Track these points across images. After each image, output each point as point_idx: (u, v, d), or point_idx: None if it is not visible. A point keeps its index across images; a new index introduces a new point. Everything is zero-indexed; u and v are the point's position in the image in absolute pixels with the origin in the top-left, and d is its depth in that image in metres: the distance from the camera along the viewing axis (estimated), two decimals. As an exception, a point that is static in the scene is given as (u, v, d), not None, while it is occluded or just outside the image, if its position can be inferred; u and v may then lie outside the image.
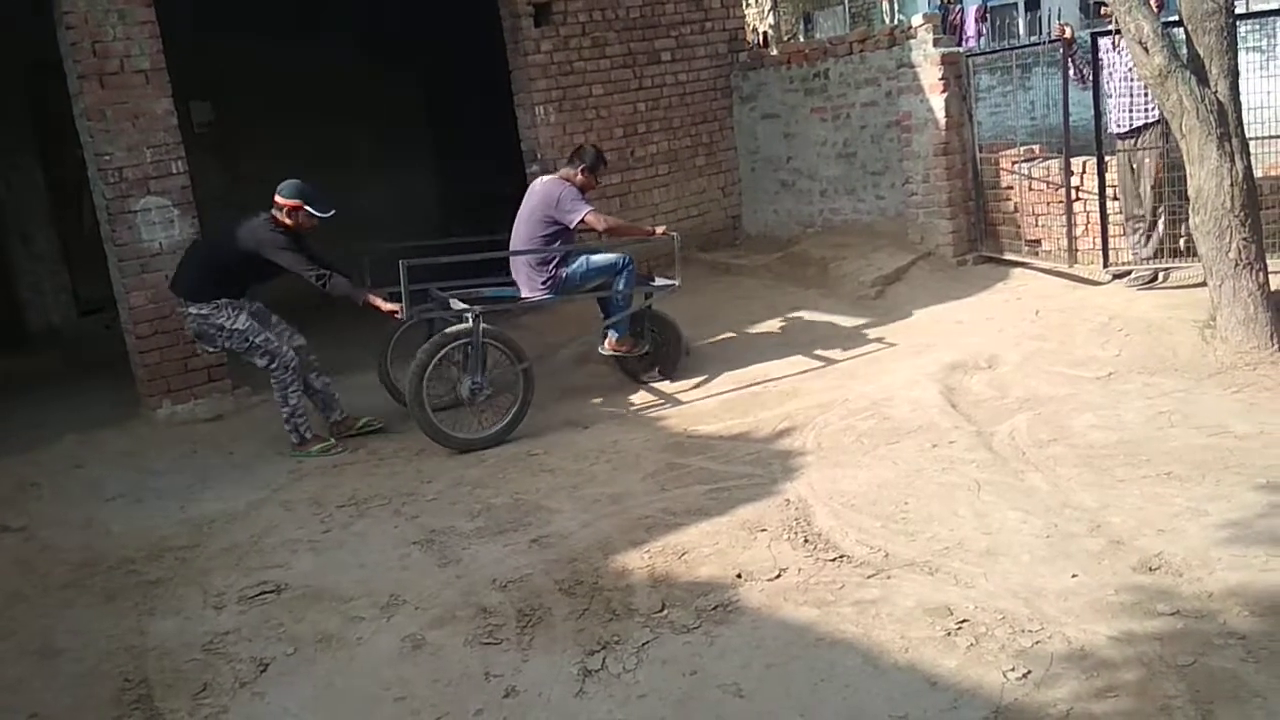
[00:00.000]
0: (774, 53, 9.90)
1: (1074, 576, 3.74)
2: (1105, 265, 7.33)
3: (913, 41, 8.13)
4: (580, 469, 5.38)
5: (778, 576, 3.99)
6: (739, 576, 4.02)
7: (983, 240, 8.17)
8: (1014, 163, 7.97)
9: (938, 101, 7.98)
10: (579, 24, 8.64)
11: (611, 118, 8.87)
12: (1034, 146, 8.14)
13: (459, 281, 6.54)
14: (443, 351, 5.88)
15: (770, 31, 16.46)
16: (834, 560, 4.06)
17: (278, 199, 5.91)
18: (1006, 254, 8.00)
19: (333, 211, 5.94)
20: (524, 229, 6.53)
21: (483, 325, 5.89)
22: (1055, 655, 3.30)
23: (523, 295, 6.48)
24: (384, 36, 10.37)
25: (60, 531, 5.19)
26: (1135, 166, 7.09)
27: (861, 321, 7.33)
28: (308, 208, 5.88)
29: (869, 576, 3.90)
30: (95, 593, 4.50)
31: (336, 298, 5.93)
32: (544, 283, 6.42)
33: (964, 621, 3.53)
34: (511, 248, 6.53)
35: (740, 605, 3.82)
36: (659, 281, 6.68)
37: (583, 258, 6.48)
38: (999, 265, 7.96)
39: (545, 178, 6.68)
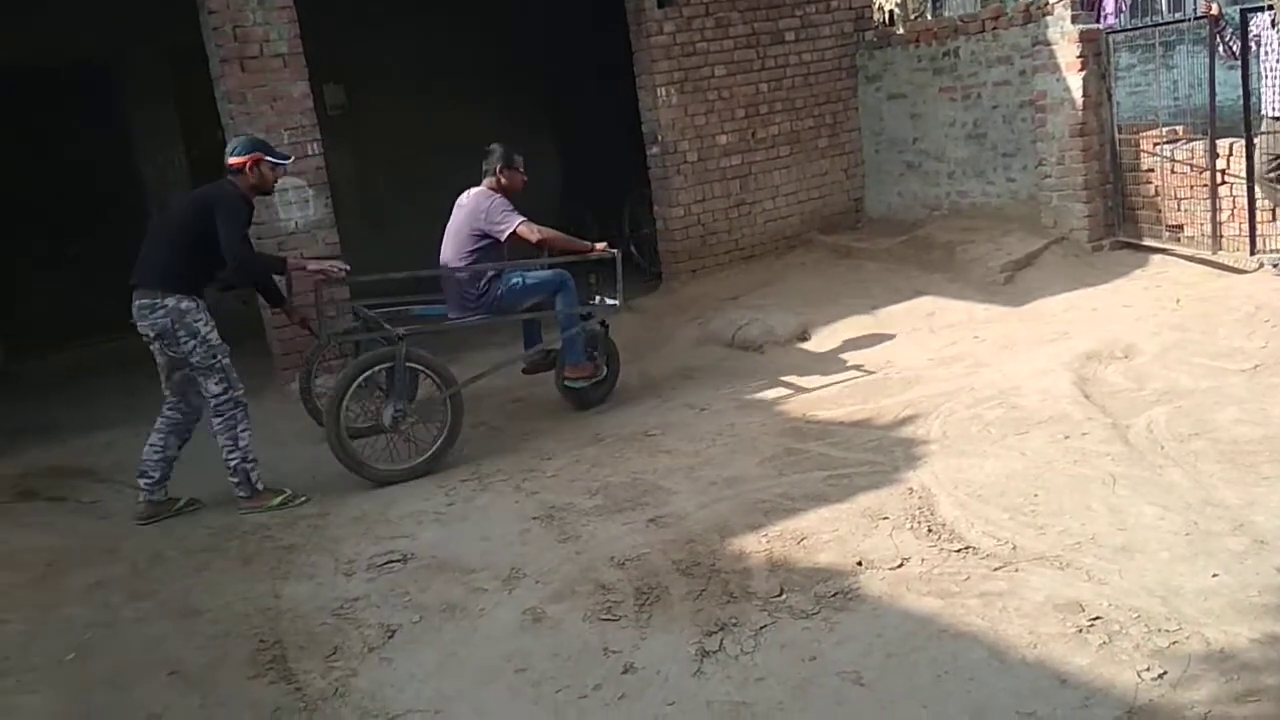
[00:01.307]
0: (901, 31, 9.66)
1: (1215, 576, 3.57)
2: (1252, 253, 6.97)
3: (1049, 18, 7.84)
4: (697, 451, 5.38)
5: (900, 565, 3.92)
6: (859, 564, 3.96)
7: (1120, 225, 7.85)
8: (1155, 144, 7.62)
9: (1075, 80, 7.69)
10: (702, 4, 8.59)
11: (733, 99, 8.80)
12: (1177, 128, 7.77)
13: (403, 299, 6.21)
14: (363, 375, 5.46)
15: (897, 10, 16.08)
16: (959, 551, 3.96)
17: (231, 160, 5.24)
18: (1146, 240, 7.67)
19: (291, 159, 5.69)
20: (452, 244, 6.10)
21: (407, 349, 5.48)
22: (1193, 656, 3.16)
23: (452, 315, 6.08)
24: (508, 21, 10.49)
25: (199, 496, 5.42)
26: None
27: (989, 308, 7.13)
28: (268, 158, 5.29)
29: (996, 569, 3.80)
30: (232, 557, 4.71)
31: (256, 269, 5.35)
32: (475, 301, 5.99)
33: (1097, 618, 3.40)
34: (441, 264, 6.09)
35: (861, 593, 3.77)
36: (604, 301, 6.22)
37: (518, 275, 6.04)
38: (1137, 251, 7.64)
39: (473, 189, 6.18)
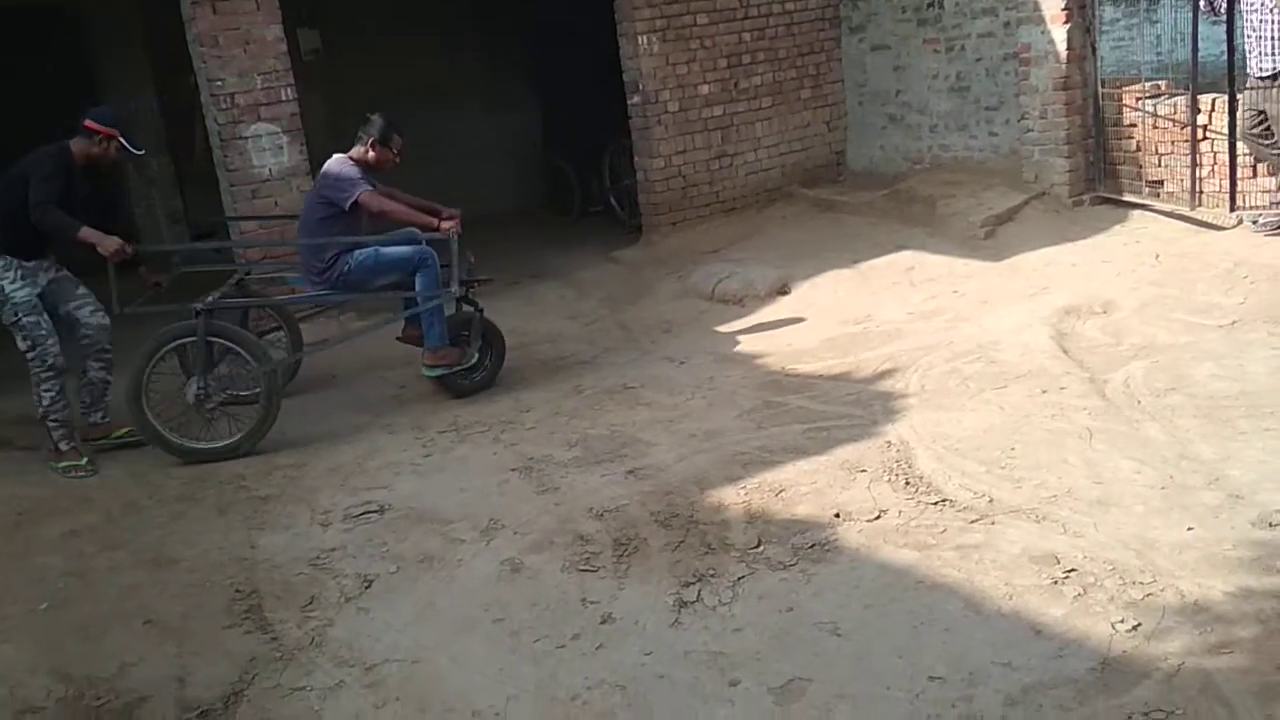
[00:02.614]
0: (886, -18, 9.53)
1: (1190, 530, 3.61)
2: (1232, 209, 6.97)
3: (1035, -30, 7.75)
4: (676, 404, 5.37)
5: (877, 518, 3.93)
6: (837, 516, 3.97)
7: (1101, 180, 7.83)
8: (1138, 99, 7.58)
9: (1059, 33, 7.62)
10: (685, -50, 8.44)
11: (715, 48, 8.68)
12: (1159, 83, 7.73)
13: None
14: (164, 349, 5.18)
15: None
16: (936, 504, 3.98)
17: (90, 123, 5.18)
18: (1126, 195, 7.65)
19: (143, 151, 5.57)
20: (304, 212, 5.73)
21: (212, 323, 5.20)
22: (1168, 608, 3.20)
23: (309, 290, 5.75)
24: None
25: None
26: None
27: (970, 263, 7.11)
28: (123, 140, 5.21)
29: (972, 521, 3.82)
30: (207, 506, 4.67)
31: (49, 229, 5.12)
32: (319, 275, 5.58)
33: (1072, 570, 3.44)
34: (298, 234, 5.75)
35: (838, 545, 3.78)
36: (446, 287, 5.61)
37: (370, 250, 5.53)
38: (1117, 207, 7.63)
39: (337, 155, 5.76)
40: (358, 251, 5.50)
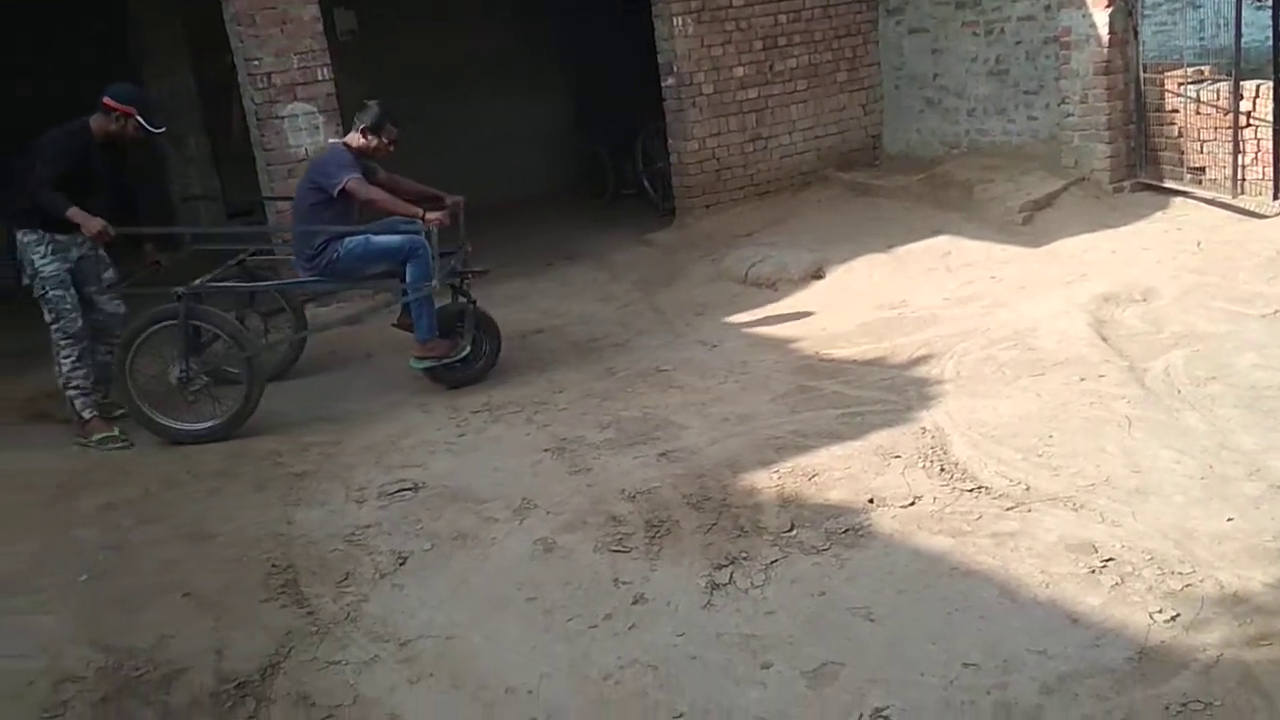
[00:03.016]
0: (924, -36, 9.42)
1: (1229, 520, 3.56)
2: (1275, 197, 6.85)
3: (1077, -48, 7.63)
4: (709, 387, 5.36)
5: (912, 504, 3.91)
6: (871, 501, 3.95)
7: (1142, 166, 7.72)
8: (1180, 84, 7.46)
9: (1101, 17, 7.51)
10: (722, -69, 8.38)
11: (751, 29, 8.62)
12: (1202, 68, 7.60)
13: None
14: (147, 331, 5.20)
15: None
16: (971, 491, 3.95)
17: (108, 101, 5.23)
18: (1167, 182, 7.54)
19: (164, 128, 5.47)
20: (296, 199, 5.71)
21: (193, 307, 5.17)
22: (1206, 599, 3.16)
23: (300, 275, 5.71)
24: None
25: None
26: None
27: (1007, 248, 7.04)
28: (140, 117, 5.23)
29: (1008, 509, 3.79)
30: (244, 482, 4.72)
31: (43, 206, 5.13)
32: (309, 261, 5.54)
33: (1109, 560, 3.40)
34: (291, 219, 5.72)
35: (872, 530, 3.77)
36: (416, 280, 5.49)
37: (360, 238, 5.47)
38: (1158, 193, 7.52)
39: (332, 140, 5.83)
40: (348, 239, 5.45)
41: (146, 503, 4.57)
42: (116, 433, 5.32)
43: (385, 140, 5.59)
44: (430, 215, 5.32)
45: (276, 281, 5.92)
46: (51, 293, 5.29)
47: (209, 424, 5.25)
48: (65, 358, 5.32)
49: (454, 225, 5.63)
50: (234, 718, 3.11)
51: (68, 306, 5.31)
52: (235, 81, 7.12)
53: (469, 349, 5.61)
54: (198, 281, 5.36)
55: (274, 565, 3.92)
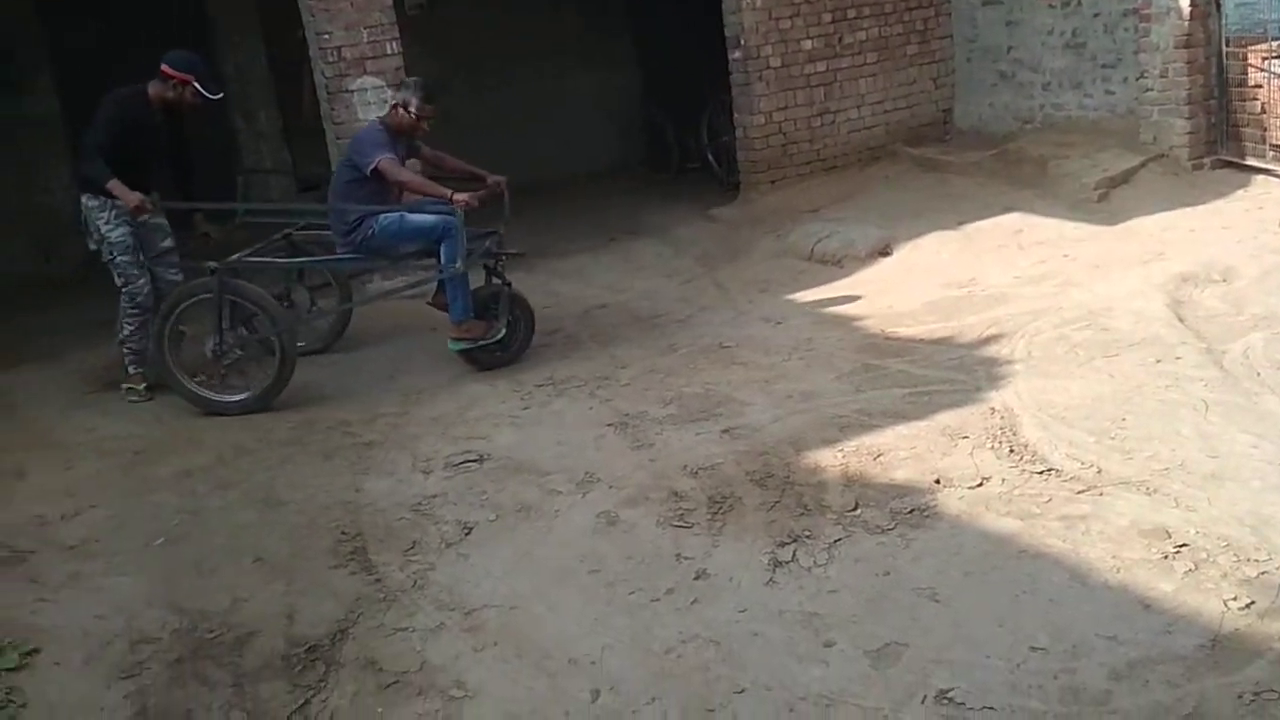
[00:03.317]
0: (1000, -67, 9.19)
1: (1310, 508, 3.46)
2: (1365, 175, 6.62)
3: (1159, -80, 7.39)
4: (772, 364, 5.33)
5: (979, 485, 3.86)
6: (937, 482, 3.91)
7: (1223, 143, 7.48)
8: (1264, 59, 7.20)
9: (1183, -12, 7.29)
10: (791, -99, 8.25)
11: (819, 2, 8.47)
12: (1288, 41, 7.33)
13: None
14: (182, 305, 5.32)
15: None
16: (1041, 473, 3.89)
17: (166, 68, 5.33)
18: (1248, 159, 7.30)
19: (221, 94, 5.58)
20: (334, 177, 5.73)
21: (228, 281, 5.26)
22: (1284, 587, 3.08)
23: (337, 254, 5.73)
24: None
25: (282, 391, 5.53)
26: None
27: (1081, 226, 6.87)
28: (197, 84, 5.34)
29: (1079, 492, 3.72)
30: (314, 450, 4.81)
31: (87, 173, 5.31)
32: (344, 237, 5.56)
33: (1183, 545, 3.33)
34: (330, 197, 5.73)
35: (938, 511, 3.73)
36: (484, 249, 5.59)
37: (395, 216, 5.47)
38: (1240, 171, 7.28)
39: (374, 118, 5.88)
40: (382, 217, 5.46)
41: (220, 469, 4.68)
42: (142, 388, 5.53)
43: (415, 116, 5.55)
44: (458, 196, 5.28)
45: (309, 258, 5.95)
46: (119, 258, 5.44)
47: (242, 396, 5.36)
48: (128, 323, 5.53)
49: (498, 205, 5.64)
50: (304, 681, 3.18)
51: (135, 272, 5.48)
52: (306, 56, 7.20)
53: (504, 331, 5.59)
54: (235, 256, 5.45)
55: (343, 532, 4.00)
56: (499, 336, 5.57)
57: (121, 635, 3.41)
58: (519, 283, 5.89)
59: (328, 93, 6.88)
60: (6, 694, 3.07)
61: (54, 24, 8.66)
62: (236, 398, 5.36)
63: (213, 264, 5.26)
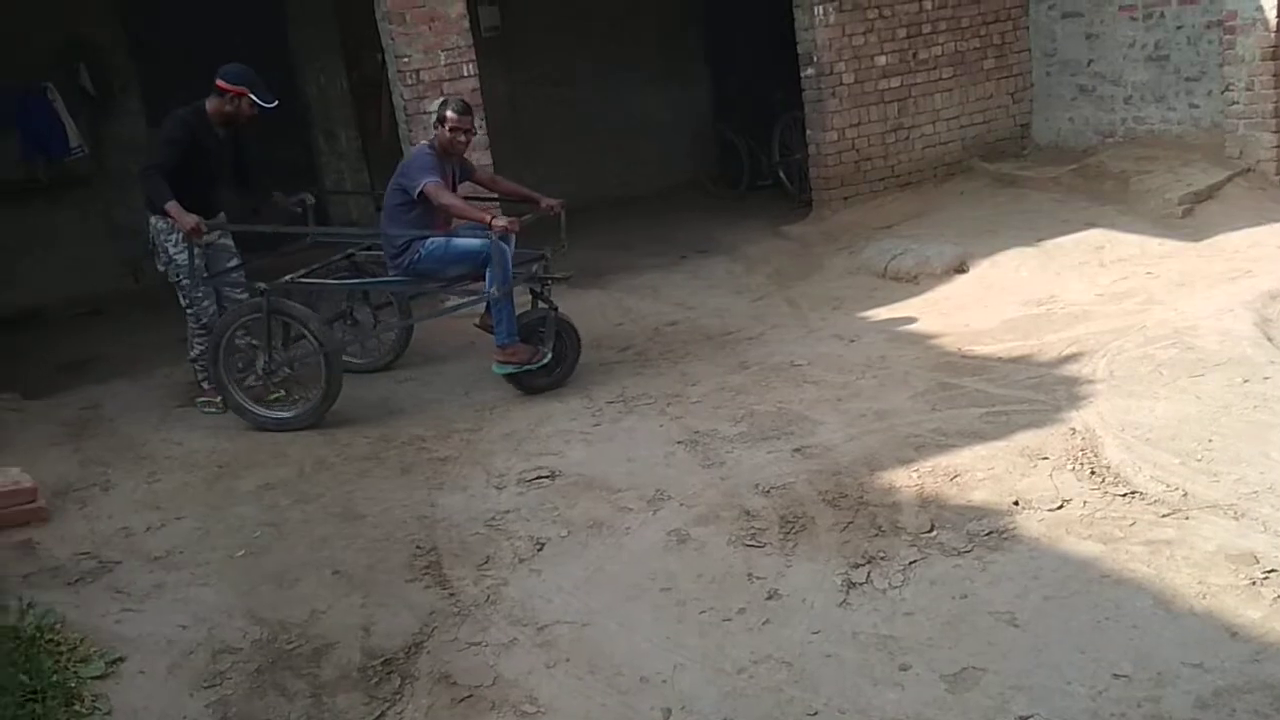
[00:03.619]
0: (1079, -55, 9.04)
1: (1407, 535, 3.33)
2: None
3: (1245, -71, 7.21)
4: (845, 382, 5.28)
5: (1060, 507, 3.78)
6: (1016, 504, 3.84)
7: (1314, 157, 7.26)
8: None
9: (1269, 0, 7.08)
10: (865, -84, 8.21)
11: (894, 17, 8.42)
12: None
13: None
14: (238, 322, 5.49)
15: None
16: (1124, 495, 3.79)
17: (220, 83, 5.49)
18: (1341, 173, 7.08)
19: (276, 103, 5.62)
20: (385, 199, 5.77)
21: (275, 301, 5.36)
22: (1379, 617, 2.96)
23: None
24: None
25: (359, 407, 5.64)
26: None
27: (1165, 242, 6.71)
28: (252, 95, 5.47)
29: (1164, 516, 3.62)
30: (391, 465, 4.89)
31: (148, 192, 5.46)
32: (393, 260, 5.64)
33: (1271, 571, 3.23)
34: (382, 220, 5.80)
35: (1017, 533, 3.66)
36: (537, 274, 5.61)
37: (442, 240, 5.51)
38: (1331, 185, 7.06)
39: (422, 142, 5.96)
40: (429, 240, 5.52)
41: (300, 483, 4.77)
42: (218, 401, 5.65)
43: (451, 129, 5.60)
44: (497, 222, 5.29)
45: (358, 280, 6.03)
46: (183, 280, 5.61)
47: (290, 414, 5.48)
48: (198, 343, 5.72)
49: (555, 229, 5.70)
50: (380, 693, 3.22)
51: (200, 294, 5.65)
52: (385, 78, 7.35)
53: (549, 356, 5.55)
54: (286, 278, 5.59)
55: (418, 547, 4.05)
56: (544, 361, 5.54)
57: (204, 645, 3.49)
58: (594, 299, 5.93)
59: (405, 114, 7.00)
60: (93, 701, 3.16)
61: (141, 47, 8.95)
62: (287, 414, 5.49)
63: (262, 285, 5.42)
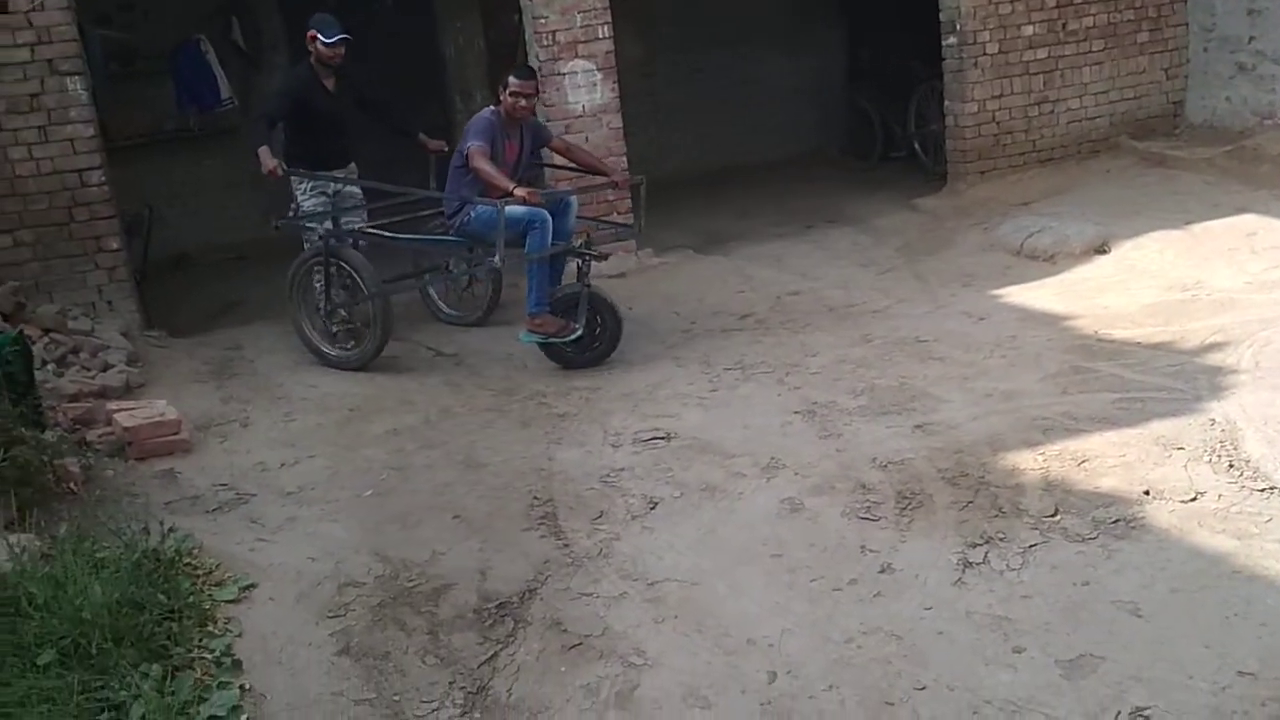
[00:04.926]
0: (1249, -87, 8.53)
1: None
2: None
3: None
4: (972, 360, 5.16)
5: (1193, 499, 3.64)
6: (1147, 493, 3.71)
7: None
8: None
9: None
10: (1016, -122, 7.90)
11: (1044, -15, 8.11)
12: None
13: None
14: (305, 264, 5.86)
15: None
16: (1263, 491, 3.63)
17: (307, 34, 5.91)
18: None
19: (339, 36, 5.80)
20: (451, 160, 5.91)
21: (335, 248, 5.76)
22: None
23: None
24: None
25: (484, 361, 5.78)
26: None
27: (1325, 230, 6.34)
28: (318, 34, 5.81)
29: (1306, 513, 3.45)
30: (512, 418, 5.00)
31: (246, 140, 5.86)
32: (449, 218, 5.82)
33: None
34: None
35: (1145, 523, 3.54)
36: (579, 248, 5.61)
37: (490, 205, 5.48)
38: None
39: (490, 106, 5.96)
40: (480, 204, 5.59)
41: (426, 430, 4.93)
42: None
43: (509, 94, 5.64)
44: (518, 191, 5.33)
45: (416, 236, 6.13)
46: (307, 225, 5.96)
47: (346, 354, 5.84)
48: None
49: (635, 203, 5.79)
50: (494, 635, 3.32)
51: (318, 239, 5.89)
52: (521, 39, 7.43)
53: (580, 332, 5.50)
54: (356, 226, 5.99)
55: (535, 497, 4.14)
56: (574, 337, 5.51)
57: (330, 577, 3.64)
58: (716, 266, 5.93)
59: (541, 75, 7.07)
60: (225, 623, 3.33)
61: (290, 3, 9.25)
62: (343, 354, 5.85)
63: (319, 231, 5.81)
